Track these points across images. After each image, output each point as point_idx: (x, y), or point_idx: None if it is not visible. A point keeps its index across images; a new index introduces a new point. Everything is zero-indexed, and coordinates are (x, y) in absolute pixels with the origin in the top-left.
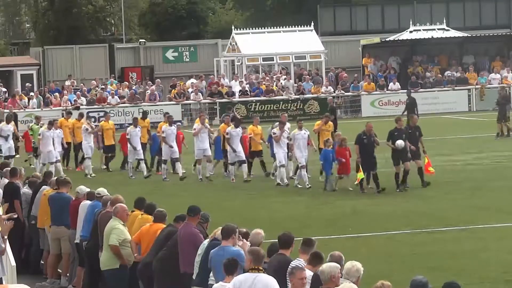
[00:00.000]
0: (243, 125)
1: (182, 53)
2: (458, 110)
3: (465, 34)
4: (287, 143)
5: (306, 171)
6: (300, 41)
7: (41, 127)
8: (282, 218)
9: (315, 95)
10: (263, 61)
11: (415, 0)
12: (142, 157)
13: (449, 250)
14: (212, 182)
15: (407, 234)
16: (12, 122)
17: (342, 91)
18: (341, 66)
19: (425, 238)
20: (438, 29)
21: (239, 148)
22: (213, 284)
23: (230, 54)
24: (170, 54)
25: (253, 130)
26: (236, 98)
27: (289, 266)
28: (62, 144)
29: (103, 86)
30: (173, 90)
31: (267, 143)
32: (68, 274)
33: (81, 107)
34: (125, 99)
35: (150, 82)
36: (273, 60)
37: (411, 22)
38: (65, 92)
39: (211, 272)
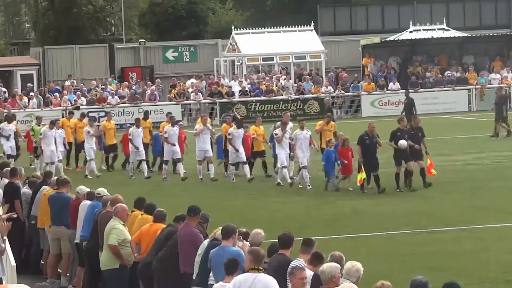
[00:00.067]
0: (244, 125)
1: (182, 53)
2: (458, 110)
3: (465, 34)
4: (289, 143)
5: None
6: (300, 41)
7: (42, 127)
8: (282, 218)
9: (315, 95)
10: (263, 61)
11: (415, 0)
12: (144, 158)
13: (449, 250)
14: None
15: (407, 234)
16: (14, 122)
17: (342, 91)
18: (341, 66)
19: (425, 238)
20: (438, 29)
21: (241, 149)
22: (213, 284)
23: (230, 54)
24: (170, 54)
25: (256, 131)
26: (236, 98)
27: (289, 266)
28: (64, 144)
29: (103, 86)
30: (173, 90)
31: (269, 143)
32: (68, 274)
33: (81, 107)
34: (125, 99)
35: (150, 82)
36: (273, 60)
37: (411, 22)
38: (65, 92)
39: (211, 272)
